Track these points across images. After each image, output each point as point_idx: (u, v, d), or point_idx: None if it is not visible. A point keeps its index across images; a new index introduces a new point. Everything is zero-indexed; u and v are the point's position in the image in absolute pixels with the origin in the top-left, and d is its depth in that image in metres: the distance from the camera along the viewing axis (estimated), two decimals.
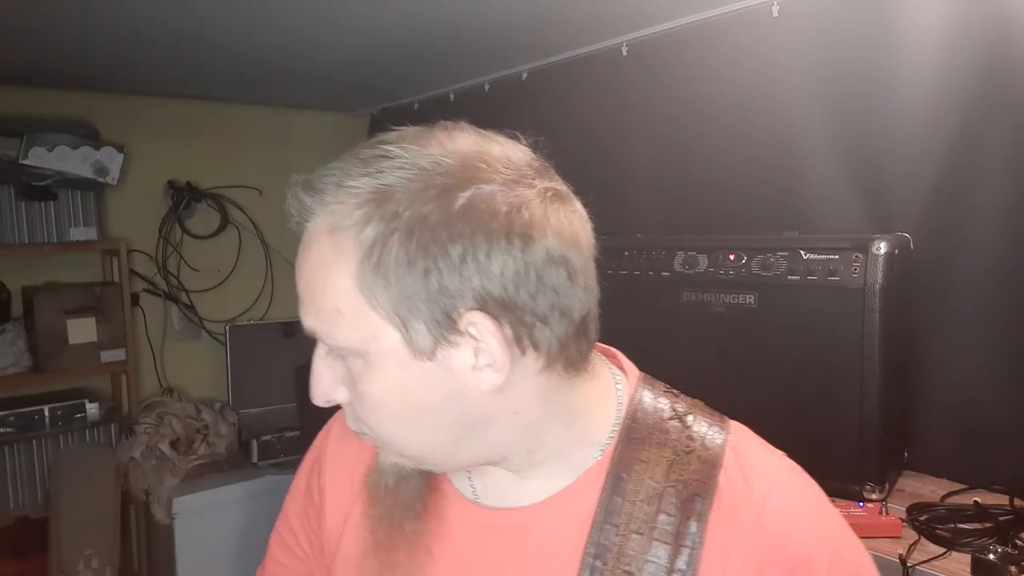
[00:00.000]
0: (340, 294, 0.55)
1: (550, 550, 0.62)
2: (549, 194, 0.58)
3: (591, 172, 2.24)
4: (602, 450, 0.64)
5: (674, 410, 0.67)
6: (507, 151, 0.60)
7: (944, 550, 1.19)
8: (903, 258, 1.40)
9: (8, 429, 2.41)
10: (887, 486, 1.41)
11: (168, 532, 2.38)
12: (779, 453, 0.68)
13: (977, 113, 1.42)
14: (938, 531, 1.24)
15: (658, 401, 0.68)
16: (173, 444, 2.50)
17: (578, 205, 0.62)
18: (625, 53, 2.06)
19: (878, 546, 1.22)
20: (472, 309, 0.54)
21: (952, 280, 1.49)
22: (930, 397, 1.54)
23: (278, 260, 3.09)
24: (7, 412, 2.41)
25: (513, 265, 0.54)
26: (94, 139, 2.53)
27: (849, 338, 1.36)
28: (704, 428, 0.65)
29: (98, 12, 1.75)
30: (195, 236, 2.90)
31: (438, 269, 0.53)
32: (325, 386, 0.61)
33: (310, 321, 0.58)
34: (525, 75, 2.37)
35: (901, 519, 1.28)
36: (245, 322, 2.98)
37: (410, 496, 0.65)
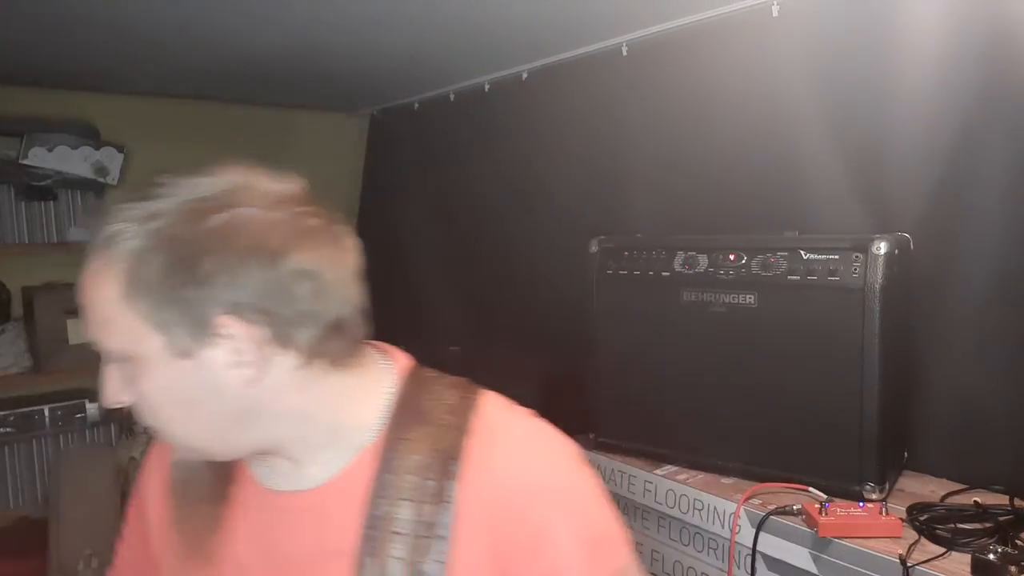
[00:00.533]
0: (110, 304, 0.64)
1: (332, 526, 0.70)
2: (307, 220, 0.67)
3: (591, 172, 2.24)
4: (374, 433, 0.72)
5: (434, 391, 0.76)
6: (271, 183, 0.68)
7: (944, 550, 1.19)
8: (903, 258, 1.40)
9: (8, 429, 2.41)
10: (887, 486, 1.41)
11: None
12: (525, 414, 0.77)
13: (977, 113, 1.42)
14: (938, 531, 1.24)
15: (423, 385, 0.77)
16: None
17: (342, 231, 0.70)
18: (625, 53, 2.06)
19: (878, 546, 1.22)
20: (225, 314, 0.63)
21: (952, 280, 1.49)
22: (930, 397, 1.54)
23: None
24: (7, 412, 2.41)
25: (262, 277, 0.63)
26: (94, 139, 2.54)
27: (849, 338, 1.36)
28: (459, 402, 0.74)
29: (98, 12, 1.75)
30: None
31: (192, 281, 0.62)
32: (111, 390, 0.68)
33: (89, 331, 0.67)
34: (525, 75, 2.36)
35: (901, 519, 1.28)
36: None
37: (203, 484, 0.76)
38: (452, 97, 2.65)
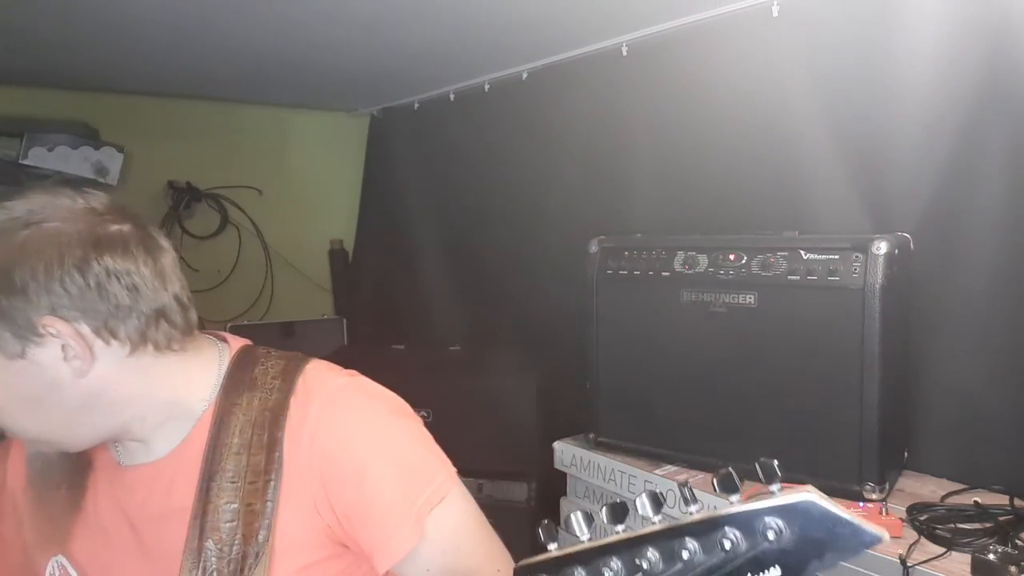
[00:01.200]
0: None
1: (177, 487, 0.79)
2: (109, 227, 0.74)
3: (591, 172, 2.24)
4: (208, 403, 0.82)
5: (264, 363, 0.84)
6: (73, 199, 0.75)
7: (944, 550, 1.19)
8: (903, 258, 1.40)
9: None
10: (887, 486, 1.41)
11: None
12: (347, 374, 0.86)
13: (977, 113, 1.42)
14: (938, 531, 1.24)
15: (254, 358, 0.85)
16: None
17: (151, 232, 0.78)
18: (625, 53, 2.06)
19: (878, 546, 1.22)
20: (46, 316, 0.70)
21: (952, 280, 1.49)
22: (930, 397, 1.54)
23: (278, 260, 3.09)
24: None
25: (73, 281, 0.70)
26: (94, 139, 2.54)
27: (849, 338, 1.36)
28: (286, 368, 0.84)
29: (98, 12, 1.75)
30: (195, 236, 2.90)
31: (9, 291, 0.69)
32: None
33: None
34: (525, 75, 2.36)
35: (901, 519, 1.28)
36: (245, 322, 2.98)
37: (59, 473, 0.84)
38: (452, 97, 2.66)
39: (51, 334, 0.71)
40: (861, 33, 1.58)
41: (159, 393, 0.79)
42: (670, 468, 1.62)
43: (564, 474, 1.84)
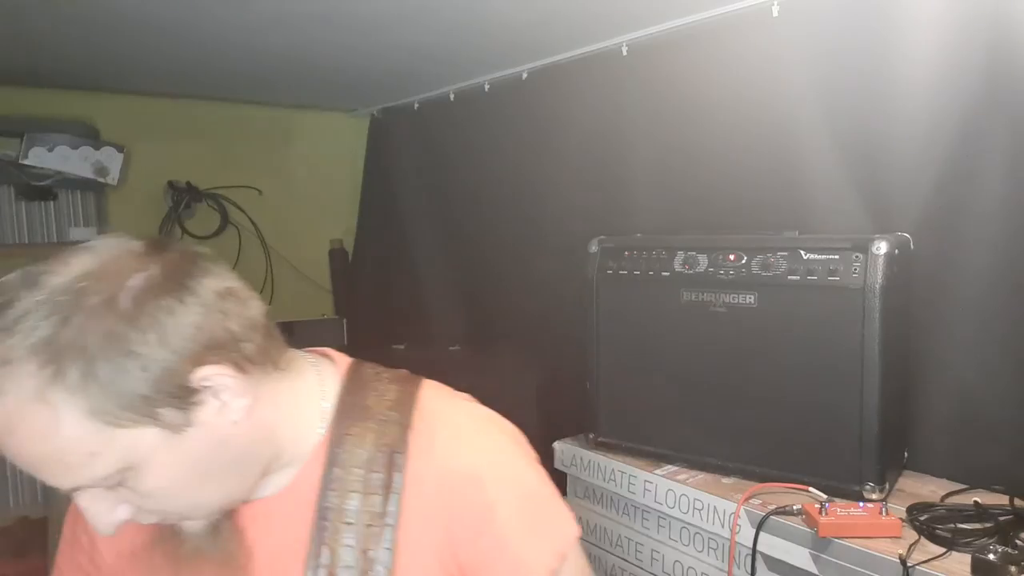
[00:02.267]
0: (83, 440, 0.58)
1: (293, 526, 0.72)
2: (176, 256, 0.65)
3: (591, 172, 2.24)
4: (319, 431, 0.75)
5: (376, 387, 0.78)
6: (114, 249, 0.63)
7: (944, 550, 1.19)
8: (903, 258, 1.40)
9: None
10: (887, 486, 1.41)
11: None
12: (463, 401, 0.81)
13: (977, 113, 1.42)
14: (938, 531, 1.24)
15: (363, 383, 0.79)
16: None
17: (201, 250, 0.69)
18: (625, 53, 2.06)
19: (878, 546, 1.22)
20: (194, 369, 0.61)
21: (952, 280, 1.49)
22: (930, 397, 1.54)
23: (278, 260, 3.09)
24: None
25: (192, 317, 0.61)
26: (94, 139, 2.54)
27: (849, 338, 1.36)
28: (400, 397, 0.77)
29: (98, 12, 1.75)
30: (195, 236, 2.90)
31: (143, 363, 0.58)
32: (107, 520, 0.65)
33: (65, 482, 0.61)
34: (525, 75, 2.36)
35: (901, 519, 1.28)
36: None
37: (210, 539, 0.73)
38: (452, 97, 2.65)
39: (206, 387, 0.63)
40: (861, 33, 1.58)
41: (283, 420, 0.72)
42: (670, 468, 1.62)
43: (564, 474, 1.84)
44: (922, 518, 1.29)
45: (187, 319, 0.61)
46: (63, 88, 2.59)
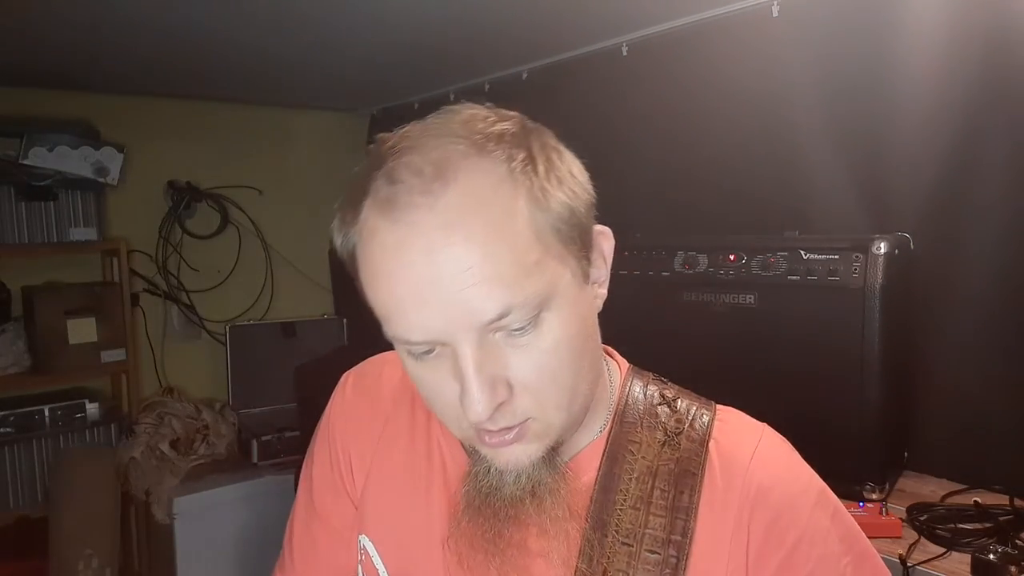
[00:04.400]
0: (532, 245, 0.52)
1: (553, 524, 0.61)
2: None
3: (591, 172, 2.24)
4: (599, 431, 0.67)
5: (663, 396, 0.70)
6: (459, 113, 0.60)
7: (944, 550, 1.19)
8: (903, 258, 1.40)
9: (8, 429, 2.41)
10: (887, 486, 1.41)
11: (168, 532, 2.38)
12: (762, 425, 0.72)
13: (977, 112, 1.42)
14: (938, 531, 1.24)
15: (648, 388, 0.71)
16: (173, 444, 2.50)
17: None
18: (625, 53, 2.06)
19: (878, 546, 1.21)
20: (594, 221, 0.56)
21: (952, 280, 1.49)
22: (930, 397, 1.54)
23: (278, 260, 3.09)
24: (7, 412, 2.41)
25: (580, 168, 0.59)
26: (94, 139, 2.53)
27: (849, 338, 1.36)
28: (692, 410, 0.69)
29: (98, 12, 1.75)
30: (195, 236, 2.90)
31: (570, 188, 0.54)
32: (488, 396, 0.53)
33: (504, 296, 0.51)
34: (525, 75, 2.37)
35: (901, 519, 1.28)
36: (245, 322, 2.98)
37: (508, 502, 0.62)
38: (452, 97, 2.65)
39: (598, 249, 0.56)
40: (861, 33, 1.58)
41: (593, 374, 0.62)
42: None
43: None
44: (922, 518, 1.29)
45: (578, 169, 0.60)
46: (63, 88, 2.59)
